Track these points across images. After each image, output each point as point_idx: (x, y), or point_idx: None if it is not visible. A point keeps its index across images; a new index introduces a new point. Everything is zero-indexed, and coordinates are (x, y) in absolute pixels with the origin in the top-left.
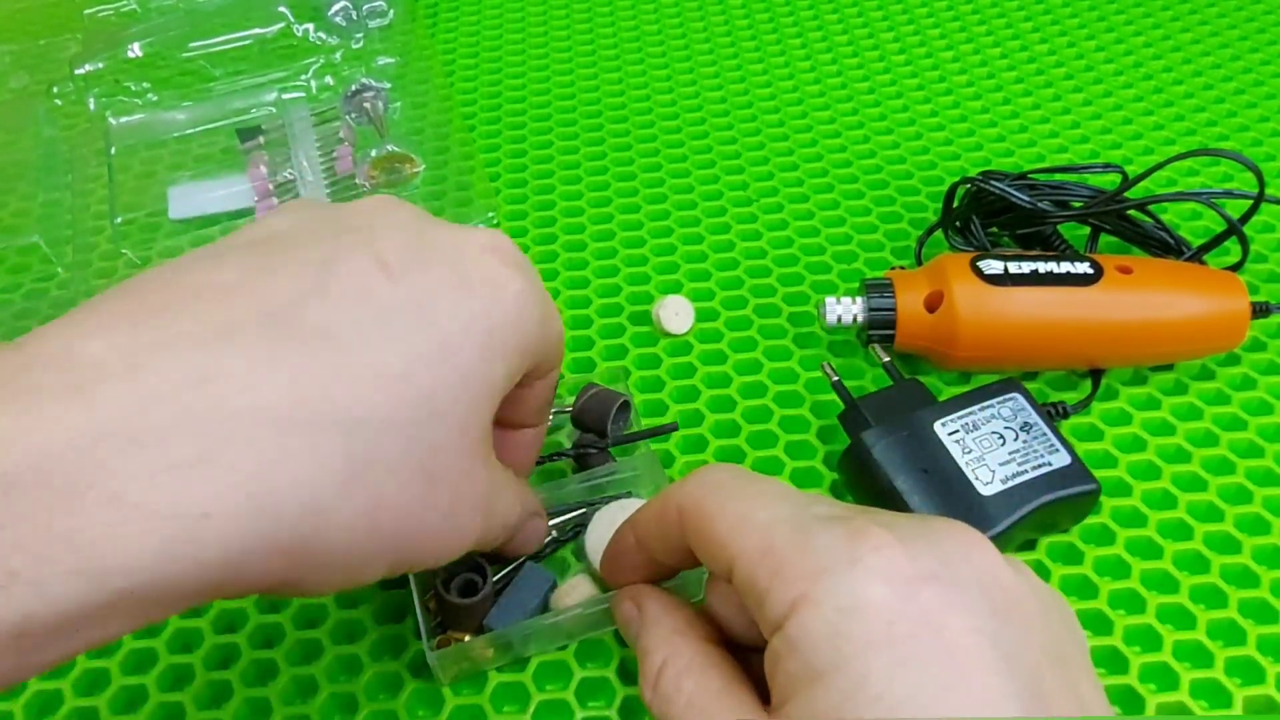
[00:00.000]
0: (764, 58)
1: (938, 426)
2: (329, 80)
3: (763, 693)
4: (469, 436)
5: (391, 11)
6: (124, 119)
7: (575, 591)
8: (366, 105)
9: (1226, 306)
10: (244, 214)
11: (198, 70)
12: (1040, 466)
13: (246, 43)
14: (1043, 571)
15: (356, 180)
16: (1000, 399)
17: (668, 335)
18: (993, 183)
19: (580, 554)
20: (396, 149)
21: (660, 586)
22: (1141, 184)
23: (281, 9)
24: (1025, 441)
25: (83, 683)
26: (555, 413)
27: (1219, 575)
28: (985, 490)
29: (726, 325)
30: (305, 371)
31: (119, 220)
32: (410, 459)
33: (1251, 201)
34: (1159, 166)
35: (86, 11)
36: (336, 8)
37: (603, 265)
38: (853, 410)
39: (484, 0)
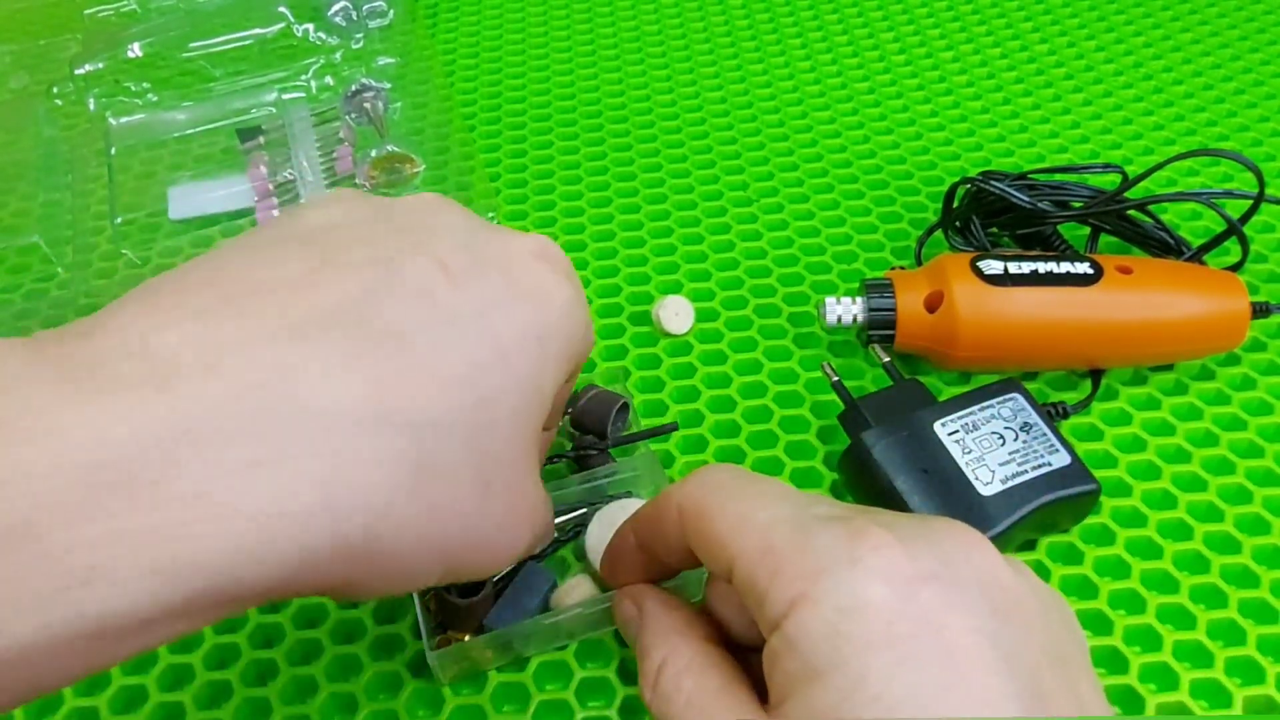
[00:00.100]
0: (764, 58)
1: (938, 426)
2: (329, 80)
3: (762, 693)
4: (521, 445)
5: (391, 11)
6: (124, 119)
7: (575, 591)
8: (366, 105)
9: (1226, 306)
10: (244, 214)
11: (198, 70)
12: (1040, 466)
13: (246, 43)
14: (1043, 571)
15: (356, 180)
16: (1000, 399)
17: (668, 335)
18: (993, 183)
19: (580, 554)
20: (396, 149)
21: (660, 586)
22: (1141, 184)
23: (281, 9)
24: (1025, 441)
25: (83, 683)
26: None
27: (1219, 575)
28: (985, 490)
29: (726, 325)
30: (376, 372)
31: (119, 220)
32: (469, 465)
33: (1251, 201)
34: (1159, 166)
35: (86, 11)
36: (336, 8)
37: (603, 265)
38: (853, 410)
39: (484, 0)
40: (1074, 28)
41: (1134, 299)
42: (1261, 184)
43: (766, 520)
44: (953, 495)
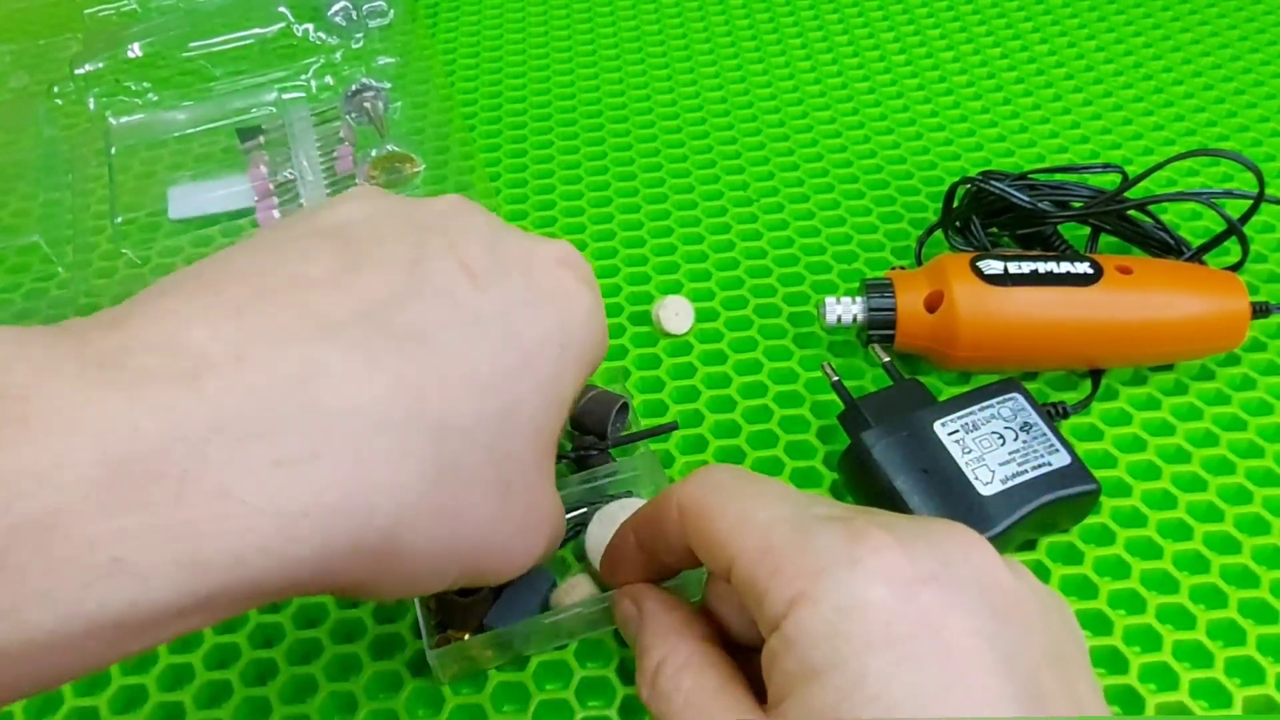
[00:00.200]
0: (764, 58)
1: (938, 426)
2: (329, 80)
3: (760, 693)
4: (540, 450)
5: (391, 11)
6: (124, 119)
7: (575, 591)
8: (366, 105)
9: (1226, 306)
10: (244, 214)
11: (198, 70)
12: (1040, 466)
13: (246, 43)
14: (1043, 571)
15: (356, 180)
16: (1000, 399)
17: (668, 335)
18: (993, 183)
19: (580, 554)
20: (397, 149)
21: (659, 586)
22: (1141, 184)
23: (281, 9)
24: (1025, 441)
25: (83, 682)
26: None
27: (1219, 575)
28: (985, 490)
29: (726, 325)
30: (399, 373)
31: (119, 220)
32: (490, 468)
33: (1251, 201)
34: (1159, 166)
35: (86, 11)
36: (336, 8)
37: (603, 265)
38: (853, 410)
39: (484, 0)
40: (1074, 28)
41: (1134, 299)
42: (1261, 184)
43: (766, 520)
44: (953, 495)
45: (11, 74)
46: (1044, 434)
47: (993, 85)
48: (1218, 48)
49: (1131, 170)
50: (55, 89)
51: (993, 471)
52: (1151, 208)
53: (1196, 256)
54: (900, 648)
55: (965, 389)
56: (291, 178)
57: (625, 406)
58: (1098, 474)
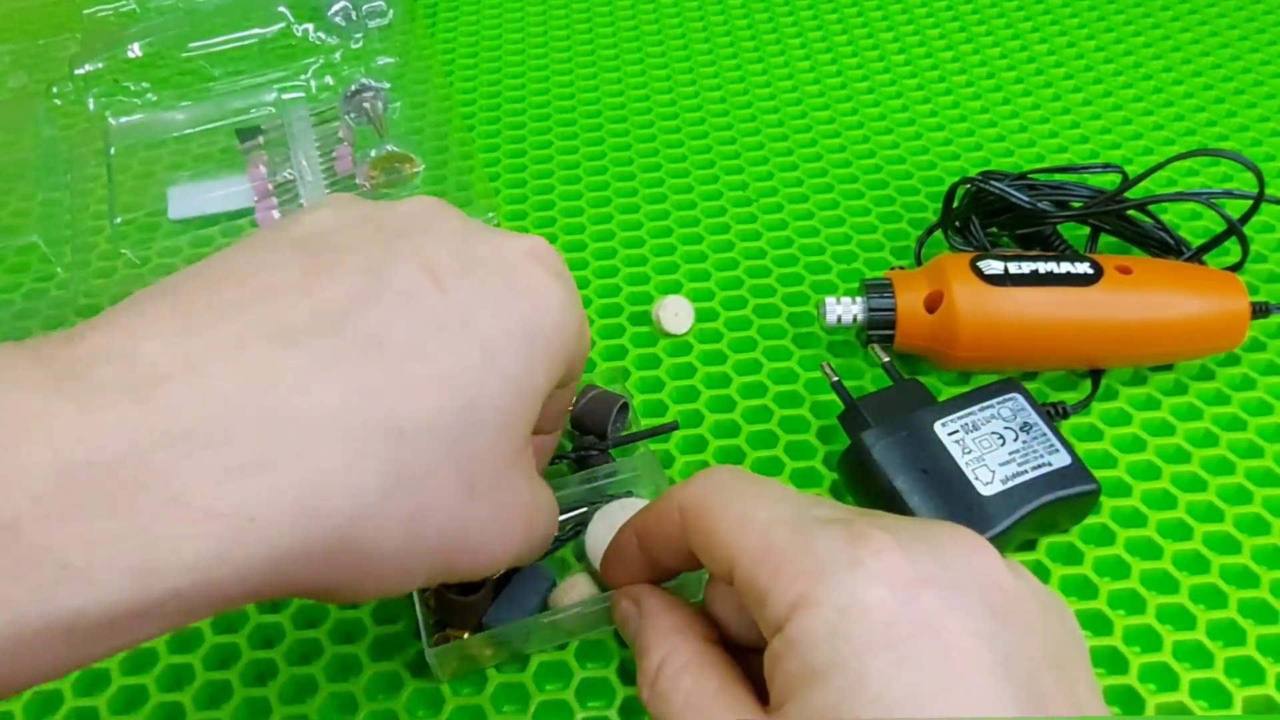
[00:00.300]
0: (763, 58)
1: (937, 427)
2: (329, 80)
3: (760, 694)
4: (511, 445)
5: (391, 11)
6: (123, 119)
7: (574, 590)
8: (366, 105)
9: (1226, 307)
10: (243, 214)
11: (197, 70)
12: (1040, 467)
13: (246, 43)
14: (1043, 572)
15: (356, 180)
16: (1000, 399)
17: (667, 335)
18: (992, 183)
19: (580, 554)
20: (396, 149)
21: (659, 586)
22: (1141, 184)
23: (281, 9)
24: (1025, 442)
25: (83, 683)
26: None
27: (1219, 575)
28: (985, 490)
29: (726, 325)
30: (355, 378)
31: (118, 220)
32: (453, 466)
33: (1251, 201)
34: (1159, 167)
35: (86, 11)
36: (336, 8)
37: (602, 265)
38: (852, 410)
39: (483, 0)
40: (1074, 28)
41: (1134, 299)
42: (1261, 184)
43: (767, 520)
44: (953, 495)
45: (10, 74)
46: (1044, 434)
47: (992, 85)
48: (1218, 48)
49: (1131, 170)
50: (54, 89)
51: (993, 471)
52: (1151, 208)
53: (1196, 256)
54: (900, 649)
55: (965, 389)
56: (291, 178)
57: (625, 406)
58: (1098, 474)
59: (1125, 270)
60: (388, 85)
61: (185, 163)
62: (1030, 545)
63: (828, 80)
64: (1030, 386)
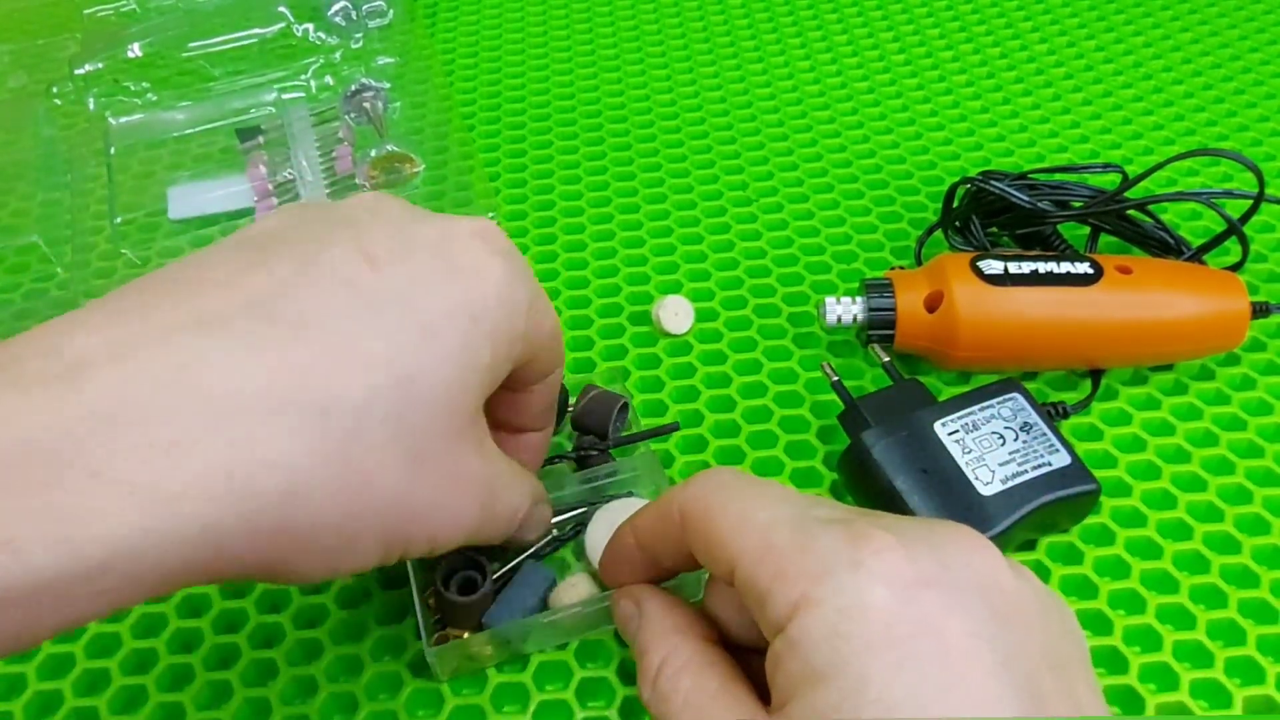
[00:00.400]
0: (763, 58)
1: (937, 426)
2: (329, 80)
3: (761, 694)
4: (457, 419)
5: (391, 11)
6: (123, 119)
7: (574, 590)
8: (366, 105)
9: (1226, 306)
10: (243, 214)
11: (197, 70)
12: (1040, 466)
13: (246, 42)
14: (1043, 571)
15: (356, 180)
16: (1000, 399)
17: (667, 335)
18: (993, 183)
19: (580, 553)
20: (396, 149)
21: (659, 586)
22: (1141, 184)
23: (281, 9)
24: (1025, 441)
25: (83, 683)
26: None
27: (1219, 575)
28: (985, 490)
29: (726, 325)
30: (284, 357)
31: (118, 220)
32: (393, 440)
33: (1251, 201)
34: (1159, 166)
35: (86, 11)
36: (336, 8)
37: (602, 265)
38: (852, 410)
39: (484, 0)
40: (1074, 28)
41: (1134, 299)
42: (1261, 184)
43: (768, 521)
44: (953, 495)
45: (10, 74)
46: (1044, 434)
47: (992, 85)
48: (1218, 48)
49: (1131, 170)
50: (54, 89)
51: (993, 471)
52: (1151, 207)
53: (1196, 256)
54: (901, 649)
55: (965, 389)
56: (291, 178)
57: (625, 406)
58: (1098, 474)
59: (1125, 270)
60: (388, 85)
61: (185, 163)
62: (1030, 545)
63: (828, 80)
64: (1030, 386)
